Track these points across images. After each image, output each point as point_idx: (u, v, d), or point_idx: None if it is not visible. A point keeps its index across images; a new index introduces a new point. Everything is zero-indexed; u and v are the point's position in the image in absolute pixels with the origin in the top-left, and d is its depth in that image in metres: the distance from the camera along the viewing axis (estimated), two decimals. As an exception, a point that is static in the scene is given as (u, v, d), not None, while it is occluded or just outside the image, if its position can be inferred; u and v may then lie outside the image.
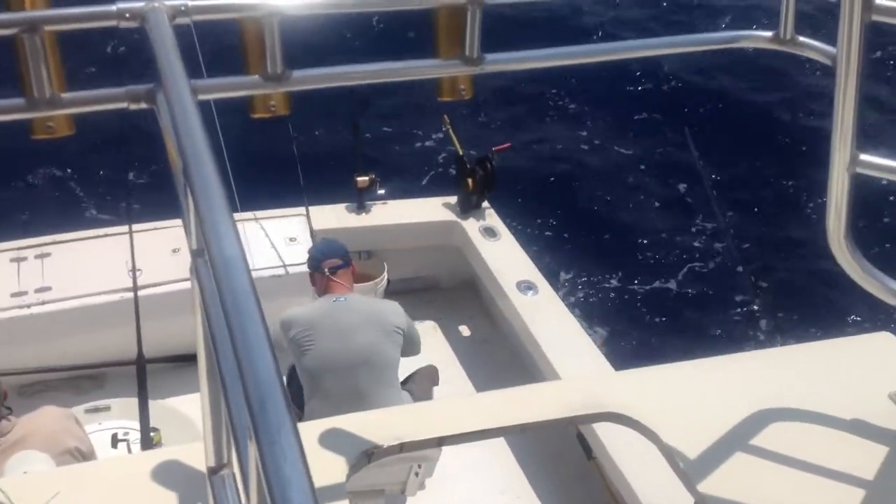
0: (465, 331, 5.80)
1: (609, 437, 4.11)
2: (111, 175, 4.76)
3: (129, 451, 4.16)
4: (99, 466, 2.72)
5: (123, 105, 1.75)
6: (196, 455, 2.32)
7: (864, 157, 2.25)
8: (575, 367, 4.64)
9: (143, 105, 1.73)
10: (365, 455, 2.39)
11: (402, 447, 2.45)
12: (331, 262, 4.39)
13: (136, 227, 4.57)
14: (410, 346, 4.41)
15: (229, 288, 1.14)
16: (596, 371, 4.53)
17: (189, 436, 4.37)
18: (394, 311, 4.36)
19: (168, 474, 2.26)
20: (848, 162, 2.21)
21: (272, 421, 0.97)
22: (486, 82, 7.80)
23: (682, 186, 8.34)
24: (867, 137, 2.25)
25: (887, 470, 2.45)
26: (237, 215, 4.89)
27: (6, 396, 3.42)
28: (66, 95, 1.72)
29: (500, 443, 4.82)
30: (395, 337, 4.25)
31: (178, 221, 4.84)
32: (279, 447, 0.94)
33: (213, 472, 1.57)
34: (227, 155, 4.25)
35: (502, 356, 5.41)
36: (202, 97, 1.77)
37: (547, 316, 5.10)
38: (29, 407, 3.69)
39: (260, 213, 5.50)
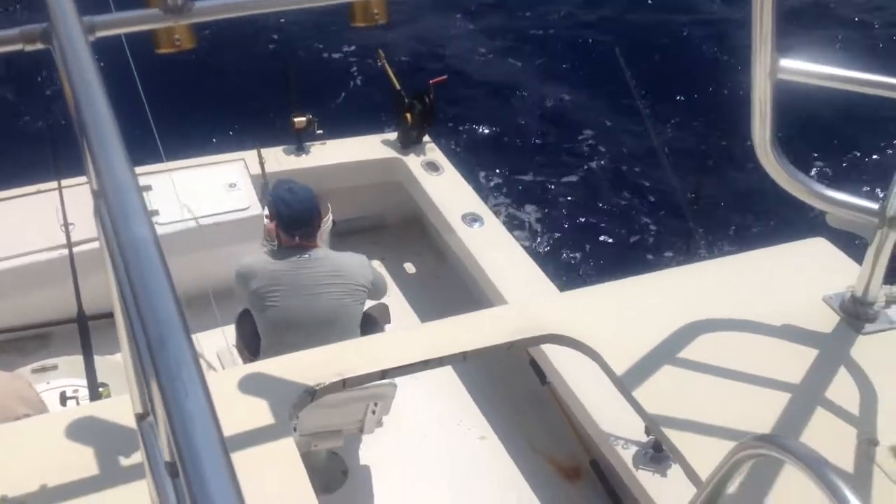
0: (411, 267, 5.80)
1: (560, 361, 4.16)
2: (33, 127, 4.61)
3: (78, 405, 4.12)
4: (33, 423, 2.68)
5: (18, 47, 1.68)
6: (127, 406, 2.30)
7: (784, 62, 2.25)
8: (522, 293, 4.66)
9: (39, 46, 1.66)
10: (307, 393, 2.39)
11: (345, 382, 2.45)
12: (304, 231, 4.22)
13: (65, 182, 4.45)
14: (377, 294, 4.40)
15: (125, 227, 1.11)
16: (540, 295, 4.55)
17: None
18: (360, 265, 4.29)
19: (103, 425, 2.23)
20: (769, 68, 2.20)
21: (172, 358, 0.95)
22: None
23: (614, 106, 8.33)
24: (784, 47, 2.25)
25: (819, 370, 2.50)
26: (161, 166, 4.79)
27: None
28: None
29: (454, 375, 4.86)
30: (359, 295, 4.23)
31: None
32: (181, 383, 0.92)
33: (140, 418, 1.55)
34: (147, 104, 4.12)
35: (451, 290, 5.42)
36: (101, 34, 1.71)
37: (493, 245, 5.11)
38: None
39: (196, 161, 5.39)
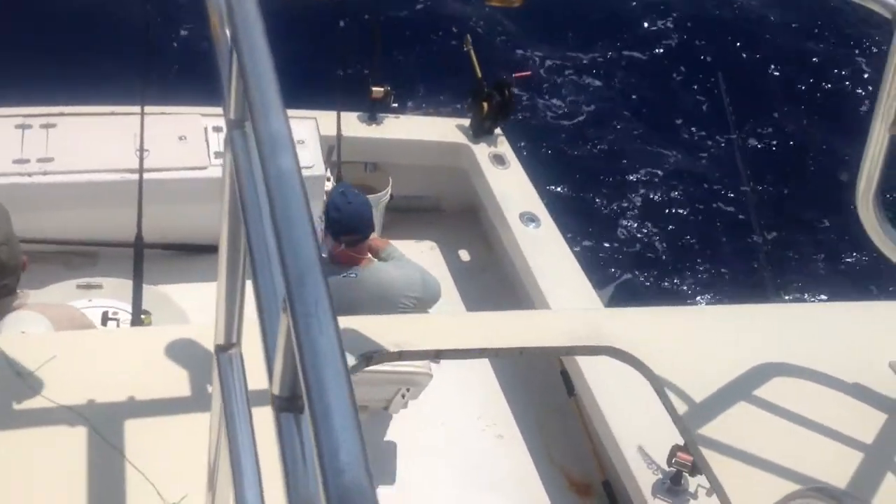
0: (463, 255, 5.80)
1: (592, 375, 4.14)
2: (130, 53, 4.64)
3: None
4: (98, 334, 2.71)
5: None
6: (198, 335, 2.32)
7: None
8: (567, 301, 4.65)
9: None
10: (364, 357, 2.40)
11: (401, 354, 2.46)
12: (350, 238, 4.09)
13: (147, 109, 4.48)
14: (428, 303, 4.19)
15: (273, 160, 1.11)
16: (589, 306, 4.54)
17: (178, 323, 4.38)
18: (407, 284, 4.13)
19: (168, 349, 2.25)
20: (891, 122, 2.17)
21: (309, 295, 0.95)
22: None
23: (705, 132, 8.21)
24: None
25: (881, 436, 2.47)
26: None
27: (25, 267, 3.22)
28: None
29: (483, 370, 4.86)
30: (403, 309, 4.07)
31: (190, 109, 4.78)
32: (316, 320, 0.92)
33: (221, 349, 1.56)
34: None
35: (496, 284, 5.41)
36: None
37: (545, 249, 5.09)
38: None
39: None
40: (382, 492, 4.23)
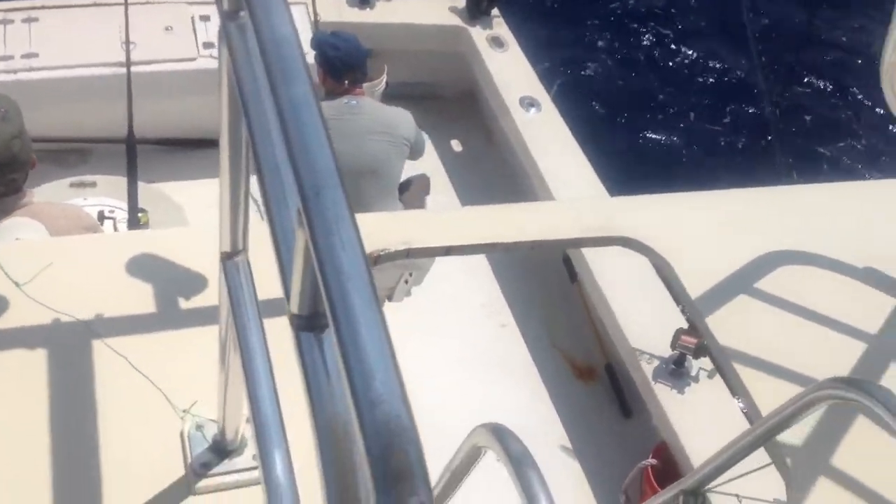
0: (458, 144, 5.71)
1: (595, 260, 4.11)
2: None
3: (115, 229, 4.11)
4: (95, 240, 2.65)
5: None
6: (201, 239, 2.26)
7: None
8: (572, 190, 4.58)
9: None
10: (371, 257, 2.35)
11: (409, 252, 2.41)
12: (353, 75, 4.28)
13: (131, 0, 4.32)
14: (416, 153, 4.43)
15: (278, 51, 1.01)
16: (595, 194, 4.48)
17: (176, 221, 4.32)
18: (405, 119, 4.34)
19: (169, 254, 2.19)
20: None
21: (329, 210, 0.88)
22: None
23: (716, 12, 7.96)
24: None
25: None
26: None
27: (34, 165, 3.18)
28: None
29: (484, 260, 4.83)
30: (402, 148, 4.26)
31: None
32: (338, 239, 0.85)
33: (227, 256, 1.50)
34: None
35: (496, 172, 5.34)
36: None
37: (547, 135, 4.99)
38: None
39: None
40: None
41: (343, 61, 4.24)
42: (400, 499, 0.70)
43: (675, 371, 3.70)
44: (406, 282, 4.16)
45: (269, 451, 1.30)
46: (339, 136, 4.10)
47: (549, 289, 4.72)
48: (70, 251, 2.23)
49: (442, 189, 5.19)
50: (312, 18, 5.21)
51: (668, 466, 3.38)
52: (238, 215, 1.48)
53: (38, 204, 3.15)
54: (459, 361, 4.37)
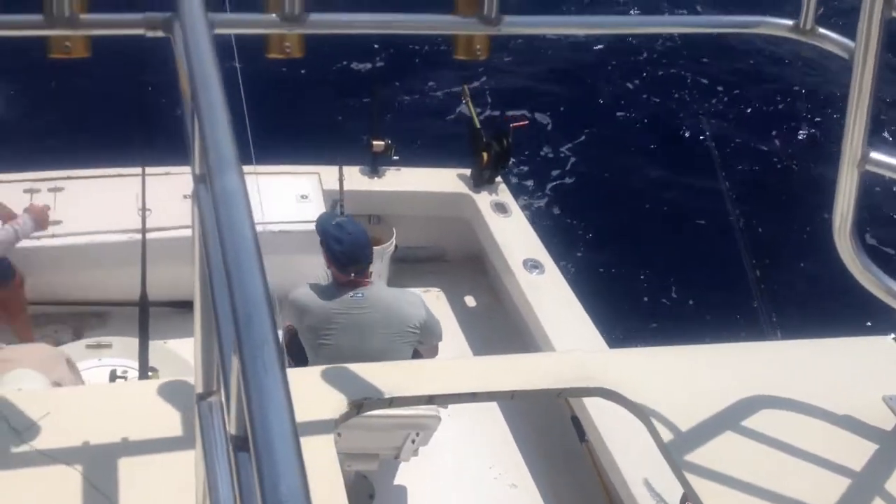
0: (469, 302, 5.83)
1: (603, 420, 4.12)
2: (127, 114, 4.78)
3: (126, 388, 4.21)
4: (92, 390, 2.77)
5: (140, 32, 1.77)
6: (187, 385, 2.37)
7: (874, 154, 2.24)
8: (573, 344, 4.65)
9: (160, 33, 1.75)
10: (354, 405, 2.43)
11: (392, 401, 2.48)
12: (358, 267, 4.16)
13: (149, 170, 4.59)
14: (429, 337, 4.26)
15: (225, 207, 1.17)
16: (592, 348, 4.55)
17: (185, 377, 4.42)
18: (413, 305, 4.22)
19: (158, 402, 2.30)
20: (858, 159, 2.20)
21: (256, 336, 0.99)
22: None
23: (694, 172, 8.31)
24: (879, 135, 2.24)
25: (874, 467, 2.47)
26: (249, 168, 4.91)
27: None
28: (84, 16, 1.74)
29: (493, 418, 4.85)
30: (410, 338, 4.17)
31: (190, 168, 4.81)
32: (261, 361, 0.96)
33: (201, 398, 1.60)
34: (245, 106, 4.24)
35: (502, 330, 5.42)
36: (219, 31, 1.79)
37: (550, 294, 5.11)
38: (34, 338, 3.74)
39: (272, 168, 5.51)
40: None
41: (347, 256, 4.13)
42: None
43: (688, 531, 3.67)
44: (413, 441, 4.16)
45: None
46: (344, 330, 4.09)
47: (558, 448, 4.69)
48: (67, 400, 2.34)
49: (454, 346, 5.24)
50: (324, 187, 5.46)
51: None
52: (210, 356, 1.59)
53: (13, 350, 3.40)
54: None
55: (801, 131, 9.42)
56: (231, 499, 1.43)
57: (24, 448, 2.17)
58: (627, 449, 3.97)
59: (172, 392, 2.33)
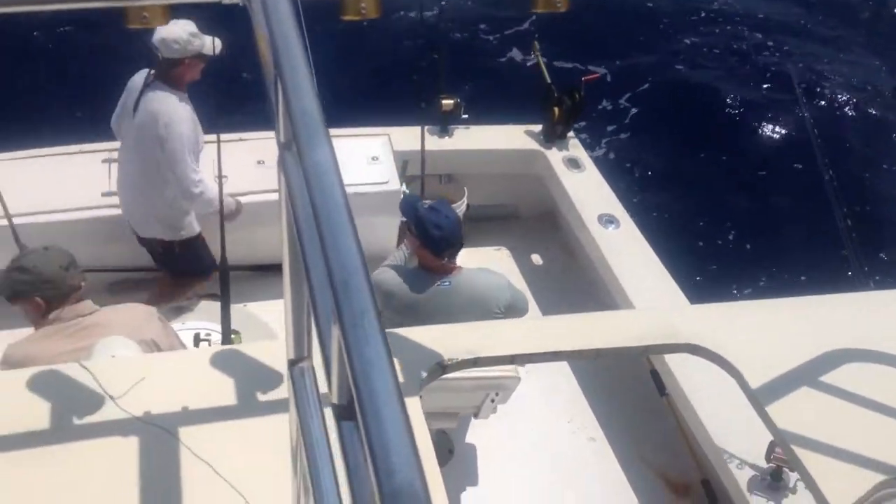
0: (541, 260, 5.80)
1: (684, 373, 4.09)
2: (203, 82, 4.81)
3: (210, 350, 4.31)
4: (183, 356, 2.83)
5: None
6: (276, 350, 2.41)
7: None
8: (651, 300, 4.60)
9: (237, 0, 1.75)
10: (439, 365, 2.44)
11: (476, 361, 2.49)
12: (452, 251, 4.07)
13: (224, 136, 4.62)
14: (513, 314, 4.15)
15: (316, 176, 1.17)
16: (671, 304, 4.49)
17: (265, 338, 4.51)
18: (498, 288, 4.12)
19: (248, 366, 2.34)
20: None
21: (355, 305, 0.99)
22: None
23: (780, 121, 8.07)
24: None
25: None
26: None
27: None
28: None
29: (569, 374, 4.84)
30: (493, 318, 4.04)
31: (265, 133, 4.93)
32: (362, 331, 0.97)
33: (292, 363, 1.62)
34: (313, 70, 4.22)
35: (576, 288, 5.39)
36: None
37: (626, 249, 5.05)
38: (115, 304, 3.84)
39: (343, 131, 5.52)
40: (476, 498, 4.27)
41: (447, 241, 4.02)
42: None
43: (773, 484, 3.63)
44: (492, 400, 4.18)
45: None
46: (428, 317, 3.95)
47: (637, 402, 4.67)
48: (159, 366, 2.40)
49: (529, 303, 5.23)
50: (395, 148, 5.46)
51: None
52: (301, 323, 1.61)
53: (106, 313, 3.54)
54: (548, 477, 4.34)
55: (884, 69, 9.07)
56: (329, 464, 1.44)
57: (121, 415, 2.24)
58: (710, 402, 3.94)
59: (261, 357, 2.37)
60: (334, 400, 1.09)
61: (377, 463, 0.85)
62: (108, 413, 2.24)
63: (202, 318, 4.64)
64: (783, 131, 8.09)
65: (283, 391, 2.23)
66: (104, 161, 5.12)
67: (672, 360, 4.10)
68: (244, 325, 4.39)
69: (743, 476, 3.65)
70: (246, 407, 2.26)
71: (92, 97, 6.11)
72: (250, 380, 2.32)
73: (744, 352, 2.55)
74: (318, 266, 1.22)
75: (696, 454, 4.22)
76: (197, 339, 4.31)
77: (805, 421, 2.37)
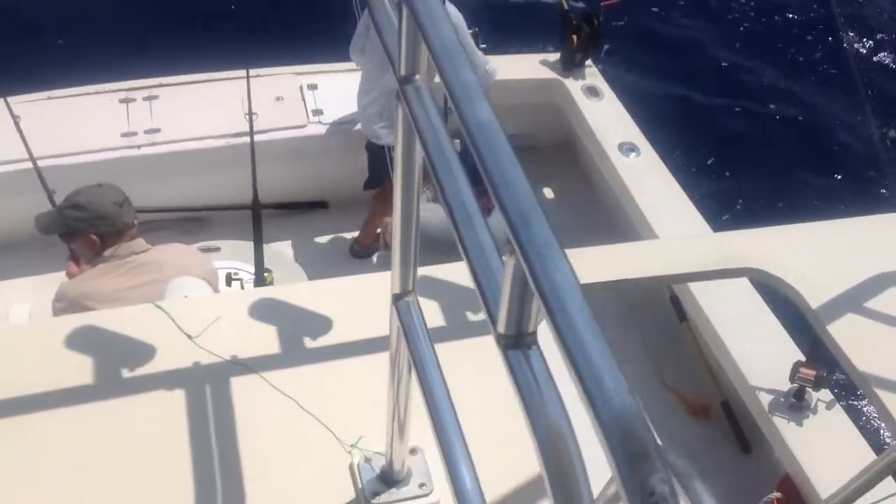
0: (560, 190, 5.78)
1: (706, 298, 4.11)
2: (225, 17, 4.70)
3: (243, 288, 4.31)
4: (259, 292, 2.83)
5: None
6: (348, 287, 2.42)
7: None
8: (675, 229, 4.61)
9: None
10: None
11: None
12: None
13: (252, 72, 4.56)
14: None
15: (470, 110, 1.15)
16: (699, 231, 4.49)
17: (296, 278, 4.51)
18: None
19: (319, 303, 2.35)
20: None
21: (538, 236, 0.99)
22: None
23: (819, 44, 7.92)
24: None
25: None
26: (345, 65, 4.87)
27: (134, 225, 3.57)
28: None
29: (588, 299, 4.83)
30: None
31: (292, 68, 4.85)
32: (551, 260, 0.97)
33: (398, 297, 1.64)
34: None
35: (597, 218, 5.38)
36: None
37: (648, 177, 5.03)
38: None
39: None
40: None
41: None
42: (643, 477, 0.79)
43: (795, 404, 3.69)
44: None
45: (458, 470, 1.42)
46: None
47: (657, 328, 4.71)
48: (234, 305, 2.41)
49: None
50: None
51: (792, 499, 3.36)
52: (408, 258, 1.62)
53: (156, 252, 3.58)
54: (567, 399, 4.38)
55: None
56: (444, 390, 1.46)
57: (200, 354, 2.25)
58: (731, 324, 3.96)
59: (328, 295, 2.38)
60: (502, 330, 1.09)
61: (590, 390, 0.86)
62: (187, 353, 2.25)
63: (230, 258, 4.64)
64: (819, 56, 7.89)
65: (365, 326, 2.24)
66: (122, 101, 5.06)
67: (693, 285, 4.13)
68: (275, 265, 4.40)
69: (765, 397, 3.71)
70: (326, 343, 2.28)
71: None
72: (325, 317, 2.33)
73: (806, 275, 2.56)
74: (460, 205, 1.21)
75: (715, 376, 4.27)
76: (229, 279, 4.31)
77: (874, 346, 2.40)
